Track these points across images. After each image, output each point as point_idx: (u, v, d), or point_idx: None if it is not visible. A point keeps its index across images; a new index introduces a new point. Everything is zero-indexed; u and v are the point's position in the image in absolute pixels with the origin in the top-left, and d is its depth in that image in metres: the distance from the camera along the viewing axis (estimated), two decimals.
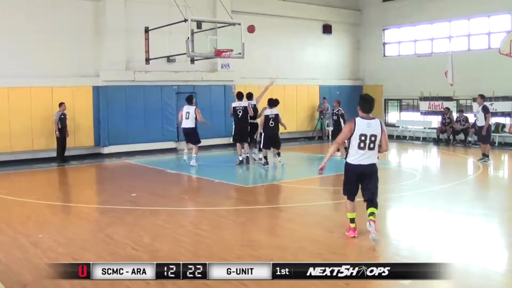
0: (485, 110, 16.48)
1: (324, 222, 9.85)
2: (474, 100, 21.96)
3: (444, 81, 22.39)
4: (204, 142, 18.19)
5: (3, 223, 9.60)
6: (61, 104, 17.96)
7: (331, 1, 26.47)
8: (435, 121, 23.98)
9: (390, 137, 24.86)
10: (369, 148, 7.79)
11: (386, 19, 26.52)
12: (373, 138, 7.75)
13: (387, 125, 26.39)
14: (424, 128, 24.41)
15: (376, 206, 8.01)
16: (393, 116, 26.80)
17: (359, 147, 7.79)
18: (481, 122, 16.56)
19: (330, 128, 25.17)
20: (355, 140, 7.80)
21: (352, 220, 8.29)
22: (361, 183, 8.07)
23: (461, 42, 23.51)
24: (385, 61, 26.88)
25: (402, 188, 12.97)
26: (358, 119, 7.82)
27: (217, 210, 10.54)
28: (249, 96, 17.01)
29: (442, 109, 23.06)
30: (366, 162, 7.88)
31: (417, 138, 24.21)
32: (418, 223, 9.57)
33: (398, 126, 25.63)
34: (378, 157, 7.98)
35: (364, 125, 7.75)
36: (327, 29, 26.55)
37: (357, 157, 7.87)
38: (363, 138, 7.74)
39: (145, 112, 20.28)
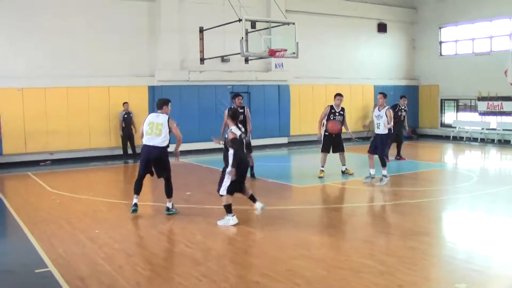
0: None
1: (376, 223, 9.75)
2: None
3: (503, 81, 21.73)
4: (258, 142, 18.23)
5: (62, 219, 9.88)
6: (124, 104, 18.41)
7: None
8: (494, 121, 23.33)
9: (447, 138, 24.41)
10: (377, 126, 13.11)
11: (442, 17, 25.96)
12: (379, 118, 13.03)
13: (443, 125, 25.91)
14: (482, 129, 23.77)
15: (384, 165, 13.01)
16: (450, 116, 26.18)
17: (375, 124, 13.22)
18: None
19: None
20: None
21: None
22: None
23: None
24: (442, 60, 26.31)
25: (458, 190, 12.69)
26: (375, 108, 13.43)
27: (271, 210, 10.54)
28: None
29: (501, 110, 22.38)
30: (377, 132, 13.21)
31: (475, 139, 23.59)
32: (474, 226, 9.33)
33: (455, 127, 25.05)
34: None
35: (376, 111, 13.15)
36: (382, 27, 26.20)
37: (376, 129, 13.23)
38: (374, 118, 13.20)
39: (200, 111, 20.48)
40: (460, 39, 25.56)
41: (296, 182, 14.38)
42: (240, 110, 13.99)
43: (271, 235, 8.71)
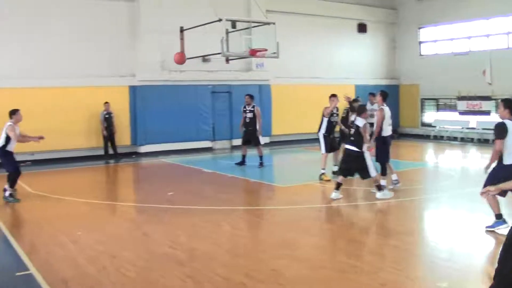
0: None
1: (360, 222, 9.80)
2: None
3: (482, 80, 21.99)
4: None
5: (43, 220, 9.80)
6: (105, 104, 18.35)
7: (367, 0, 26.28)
8: (473, 121, 23.55)
9: (427, 137, 24.60)
10: None
11: (422, 18, 26.16)
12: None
13: (424, 125, 26.12)
14: (462, 128, 23.99)
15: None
16: (430, 115, 26.39)
17: None
18: None
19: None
20: None
21: None
22: None
23: (500, 40, 23.03)
24: (422, 60, 26.52)
25: (439, 189, 12.80)
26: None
27: (253, 210, 10.56)
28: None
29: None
30: None
31: (455, 138, 23.81)
32: (455, 225, 9.42)
33: (435, 126, 25.25)
34: None
35: None
36: (362, 28, 26.33)
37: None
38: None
39: (181, 111, 20.41)
40: (439, 39, 25.80)
41: (279, 182, 14.40)
42: (251, 109, 15.96)
43: (255, 235, 8.73)
